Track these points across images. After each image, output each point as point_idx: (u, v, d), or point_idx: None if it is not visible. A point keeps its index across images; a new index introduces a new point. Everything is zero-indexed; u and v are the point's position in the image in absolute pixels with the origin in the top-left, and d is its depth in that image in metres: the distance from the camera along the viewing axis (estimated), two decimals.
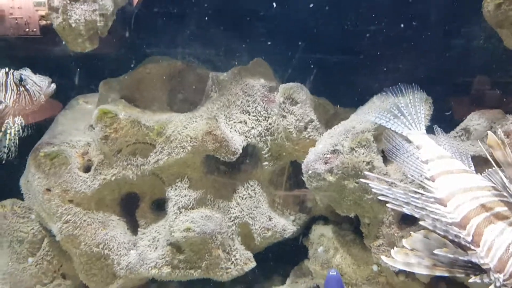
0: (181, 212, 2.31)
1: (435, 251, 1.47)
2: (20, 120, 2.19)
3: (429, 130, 1.95)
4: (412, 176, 1.75)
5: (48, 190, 2.30)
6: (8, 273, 2.51)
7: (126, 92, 2.46)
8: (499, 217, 1.48)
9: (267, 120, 2.39)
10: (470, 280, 1.45)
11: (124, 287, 2.43)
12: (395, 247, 1.55)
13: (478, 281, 1.44)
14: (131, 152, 2.34)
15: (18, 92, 2.16)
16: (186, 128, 2.28)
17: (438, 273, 1.49)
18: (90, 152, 2.38)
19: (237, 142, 2.31)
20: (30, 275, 2.48)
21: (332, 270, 1.95)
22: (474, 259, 1.45)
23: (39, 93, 2.20)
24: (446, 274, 1.50)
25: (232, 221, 2.38)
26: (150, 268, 2.29)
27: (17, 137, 2.17)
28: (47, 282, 2.50)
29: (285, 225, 2.45)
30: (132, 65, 2.52)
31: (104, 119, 2.26)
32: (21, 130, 2.18)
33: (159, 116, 2.34)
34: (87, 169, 2.38)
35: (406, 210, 1.55)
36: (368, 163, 2.03)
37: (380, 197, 1.60)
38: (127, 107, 2.34)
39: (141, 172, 2.34)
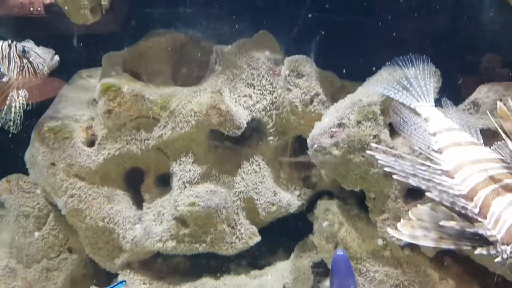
0: (185, 187, 2.30)
1: (441, 223, 1.45)
2: (24, 92, 2.16)
3: (437, 104, 1.91)
4: (419, 148, 1.72)
5: (53, 164, 2.30)
6: (14, 248, 2.53)
7: (129, 65, 2.44)
8: (508, 189, 1.45)
9: (272, 94, 2.36)
10: (476, 252, 1.42)
11: (130, 261, 2.45)
12: (401, 220, 1.54)
13: (484, 252, 1.42)
14: (135, 127, 2.33)
15: (22, 65, 2.13)
16: (190, 102, 2.26)
17: (444, 245, 1.47)
18: (94, 127, 2.37)
19: (242, 116, 2.29)
20: (37, 249, 2.50)
21: (339, 250, 1.92)
22: (481, 231, 1.43)
23: (42, 65, 2.16)
24: (452, 247, 1.48)
25: (237, 195, 2.37)
26: (155, 242, 2.31)
27: (22, 110, 2.15)
28: (54, 256, 2.52)
29: (290, 200, 2.44)
30: (135, 38, 2.49)
31: (107, 93, 2.23)
32: (25, 103, 2.16)
33: (162, 90, 2.31)
34: (91, 144, 2.37)
35: (412, 181, 1.52)
36: (374, 136, 2.00)
37: (386, 169, 1.58)
38: (130, 80, 2.32)
39: (145, 147, 2.33)
